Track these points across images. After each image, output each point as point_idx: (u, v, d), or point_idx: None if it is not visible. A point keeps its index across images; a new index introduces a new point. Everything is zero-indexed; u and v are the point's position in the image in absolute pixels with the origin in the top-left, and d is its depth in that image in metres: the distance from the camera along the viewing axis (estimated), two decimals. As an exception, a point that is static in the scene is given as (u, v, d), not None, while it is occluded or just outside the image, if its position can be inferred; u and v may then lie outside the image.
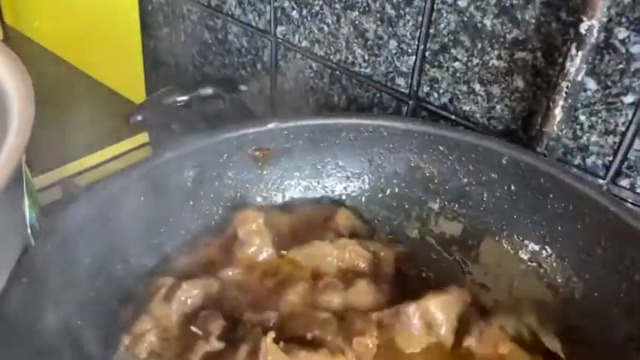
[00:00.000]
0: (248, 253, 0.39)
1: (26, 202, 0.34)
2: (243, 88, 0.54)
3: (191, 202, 0.41)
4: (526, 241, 0.40)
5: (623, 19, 0.37)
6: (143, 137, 0.65)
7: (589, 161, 0.42)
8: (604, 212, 0.36)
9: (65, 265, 0.33)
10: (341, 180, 0.45)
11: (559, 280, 0.39)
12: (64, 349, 0.30)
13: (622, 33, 0.37)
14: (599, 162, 0.42)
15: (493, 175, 0.41)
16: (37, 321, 0.30)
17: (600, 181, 0.42)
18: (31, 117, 0.31)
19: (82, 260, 0.34)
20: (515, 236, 0.41)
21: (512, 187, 0.40)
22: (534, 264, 0.40)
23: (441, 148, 0.42)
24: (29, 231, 0.34)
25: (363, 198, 0.45)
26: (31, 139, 0.31)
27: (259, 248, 0.39)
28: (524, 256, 0.40)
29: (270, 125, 0.42)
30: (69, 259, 0.33)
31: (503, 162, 0.40)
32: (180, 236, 0.40)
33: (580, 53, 0.37)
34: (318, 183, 0.45)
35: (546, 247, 0.39)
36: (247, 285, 0.38)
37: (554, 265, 0.39)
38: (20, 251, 0.32)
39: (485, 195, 0.42)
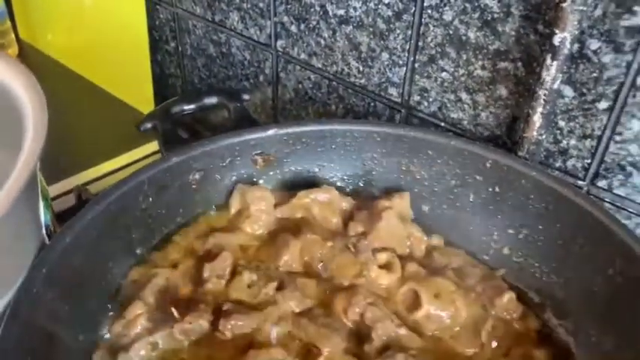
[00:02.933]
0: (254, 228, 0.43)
1: (41, 203, 0.37)
2: (246, 97, 0.57)
3: (196, 203, 0.44)
4: (510, 240, 0.43)
5: (595, 31, 0.39)
6: (153, 146, 0.68)
7: (569, 164, 0.45)
8: (580, 212, 0.38)
9: (77, 260, 0.35)
10: (337, 182, 0.48)
11: (539, 277, 0.41)
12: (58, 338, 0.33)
13: (594, 44, 0.40)
14: (579, 164, 0.44)
15: (478, 177, 0.44)
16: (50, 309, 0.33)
17: (580, 182, 0.44)
18: (45, 125, 0.34)
19: (92, 256, 0.37)
20: (500, 234, 0.43)
21: (497, 189, 0.43)
22: (517, 260, 0.43)
23: (430, 152, 0.45)
24: (44, 231, 0.37)
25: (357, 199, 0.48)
26: (46, 149, 0.34)
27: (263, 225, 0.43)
28: (507, 252, 0.43)
29: (270, 132, 0.45)
30: (81, 255, 0.36)
31: (488, 165, 0.43)
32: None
33: (555, 63, 0.40)
34: (316, 185, 0.48)
35: (528, 245, 0.42)
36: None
37: (536, 262, 0.41)
38: (37, 249, 0.35)
39: (471, 196, 0.44)
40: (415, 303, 0.38)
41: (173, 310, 0.36)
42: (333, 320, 0.37)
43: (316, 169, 0.47)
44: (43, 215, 0.38)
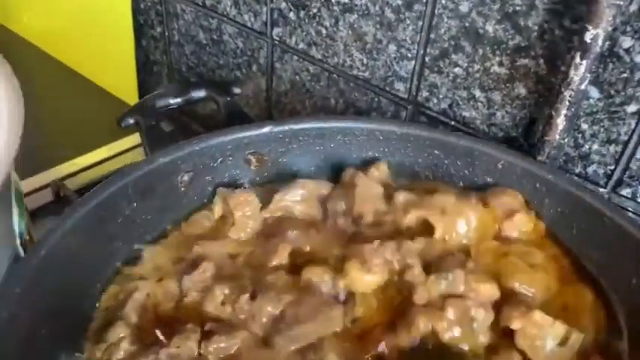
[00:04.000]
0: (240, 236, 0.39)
1: (15, 211, 0.33)
2: (237, 91, 0.52)
3: (185, 207, 0.40)
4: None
5: (628, 28, 0.36)
6: (135, 139, 0.63)
7: (590, 170, 0.42)
8: (599, 217, 0.35)
9: (55, 274, 0.31)
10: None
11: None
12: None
13: (627, 42, 0.36)
14: (601, 171, 0.41)
15: (489, 179, 0.40)
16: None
17: (601, 190, 0.41)
18: (20, 126, 0.30)
19: (71, 268, 0.33)
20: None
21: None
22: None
23: (436, 152, 0.42)
24: (18, 241, 0.33)
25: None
26: (20, 140, 0.30)
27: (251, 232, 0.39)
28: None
29: (265, 129, 0.42)
30: (59, 268, 0.32)
31: (499, 166, 0.40)
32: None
33: (584, 62, 0.36)
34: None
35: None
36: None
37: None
38: (9, 262, 0.31)
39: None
40: (427, 228, 0.36)
41: (158, 332, 0.32)
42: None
43: (313, 169, 0.44)
44: (17, 224, 0.34)
